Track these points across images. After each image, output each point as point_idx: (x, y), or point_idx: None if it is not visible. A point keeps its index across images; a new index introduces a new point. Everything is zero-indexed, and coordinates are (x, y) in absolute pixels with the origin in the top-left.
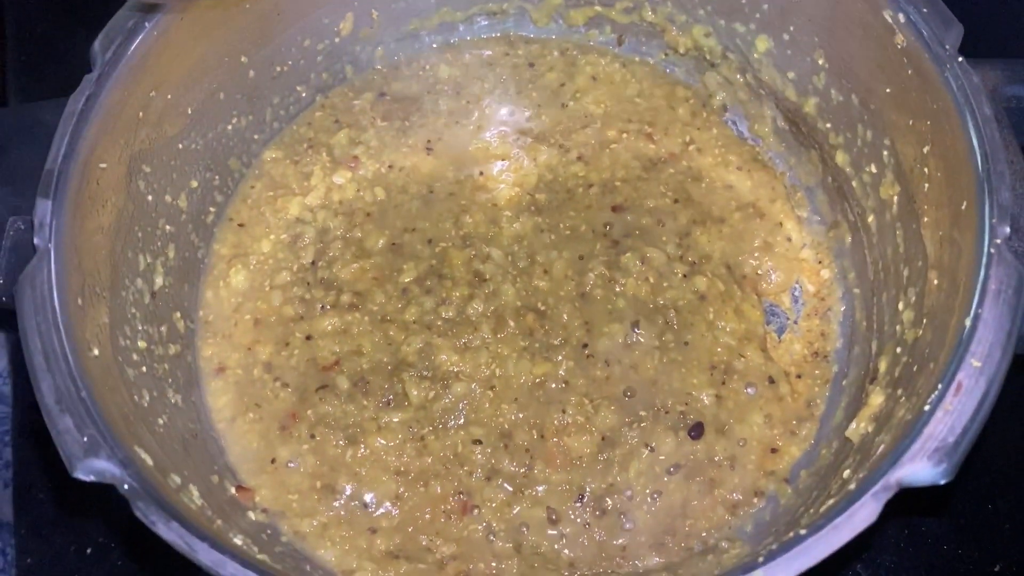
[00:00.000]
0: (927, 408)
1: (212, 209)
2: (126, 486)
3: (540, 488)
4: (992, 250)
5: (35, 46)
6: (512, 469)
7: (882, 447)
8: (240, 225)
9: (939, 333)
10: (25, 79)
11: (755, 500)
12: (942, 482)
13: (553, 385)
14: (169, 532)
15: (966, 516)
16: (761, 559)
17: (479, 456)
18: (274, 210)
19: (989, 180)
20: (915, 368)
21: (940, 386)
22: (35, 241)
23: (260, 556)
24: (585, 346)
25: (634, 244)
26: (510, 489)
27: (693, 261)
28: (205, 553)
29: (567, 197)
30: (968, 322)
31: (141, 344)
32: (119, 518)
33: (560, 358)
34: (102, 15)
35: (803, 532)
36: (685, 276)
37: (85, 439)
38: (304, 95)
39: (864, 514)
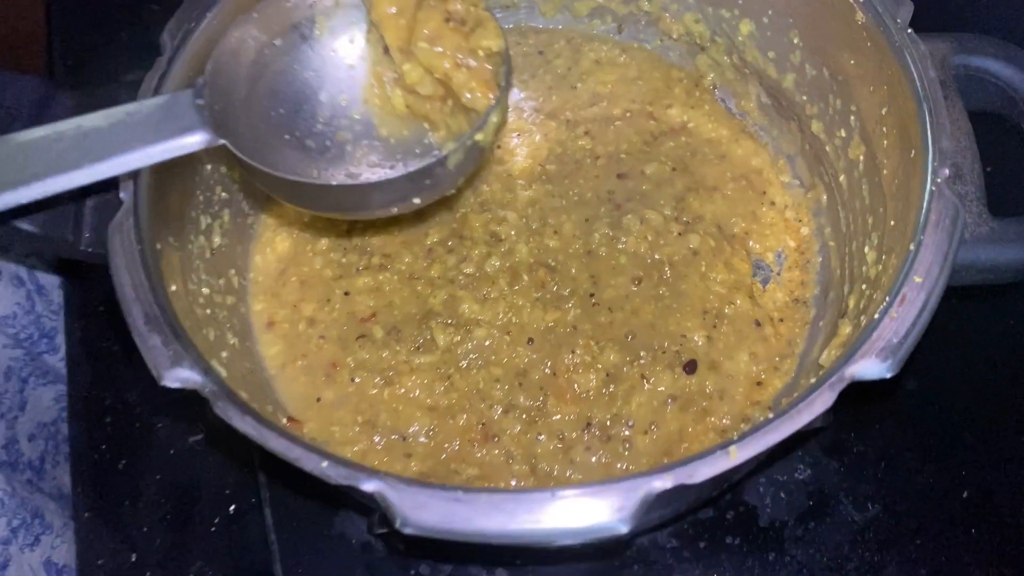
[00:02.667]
0: (876, 317)
1: None
2: (207, 390)
3: (553, 419)
4: (933, 188)
5: (78, 47)
6: (527, 403)
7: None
8: None
9: (892, 263)
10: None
11: (742, 426)
12: (888, 375)
13: (563, 330)
14: (244, 425)
15: (936, 449)
16: (735, 436)
17: (498, 392)
18: None
19: (933, 130)
20: (874, 296)
21: (888, 299)
22: (121, 196)
23: None
24: (592, 295)
25: (634, 207)
26: (526, 419)
27: (687, 221)
28: (275, 440)
29: (575, 167)
30: (912, 247)
31: (205, 291)
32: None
33: (569, 306)
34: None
35: (771, 416)
36: (680, 234)
37: (171, 353)
38: None
39: (822, 401)
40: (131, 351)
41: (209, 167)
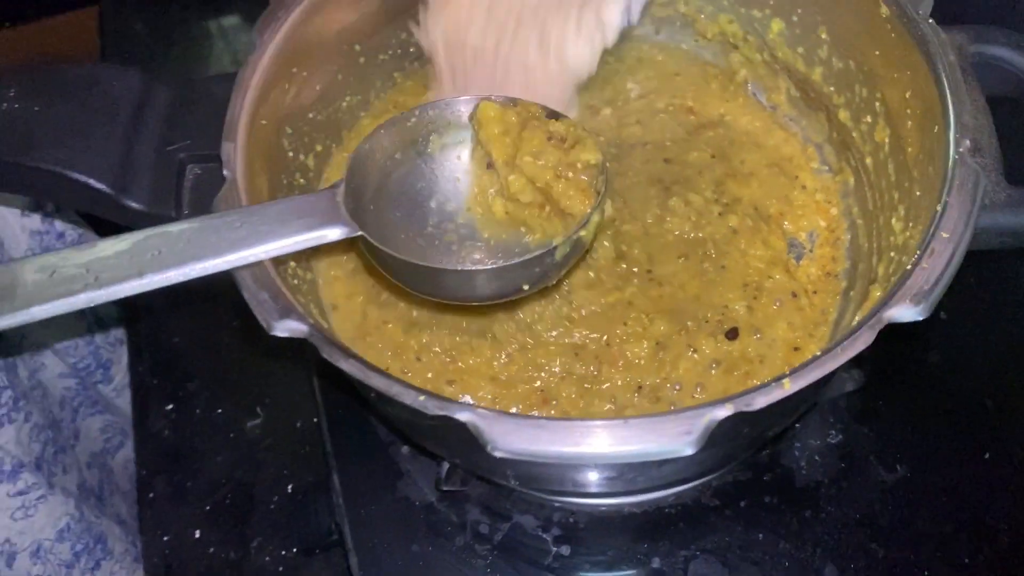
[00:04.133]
0: (909, 267)
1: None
2: (313, 337)
3: (605, 385)
4: (956, 156)
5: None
6: (583, 371)
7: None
8: None
9: (919, 227)
10: None
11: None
12: (920, 318)
13: (620, 306)
14: (349, 365)
15: (959, 415)
16: (787, 371)
17: (556, 366)
18: None
19: (954, 107)
20: (903, 260)
21: (919, 252)
22: (224, 173)
23: None
24: (649, 271)
25: (679, 190)
26: (583, 386)
27: (727, 203)
28: (376, 378)
29: (628, 151)
30: (939, 208)
31: (291, 263)
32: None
33: (632, 284)
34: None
35: (819, 354)
36: (720, 215)
37: (278, 306)
38: (399, 80)
39: (862, 340)
40: (190, 342)
41: (291, 153)
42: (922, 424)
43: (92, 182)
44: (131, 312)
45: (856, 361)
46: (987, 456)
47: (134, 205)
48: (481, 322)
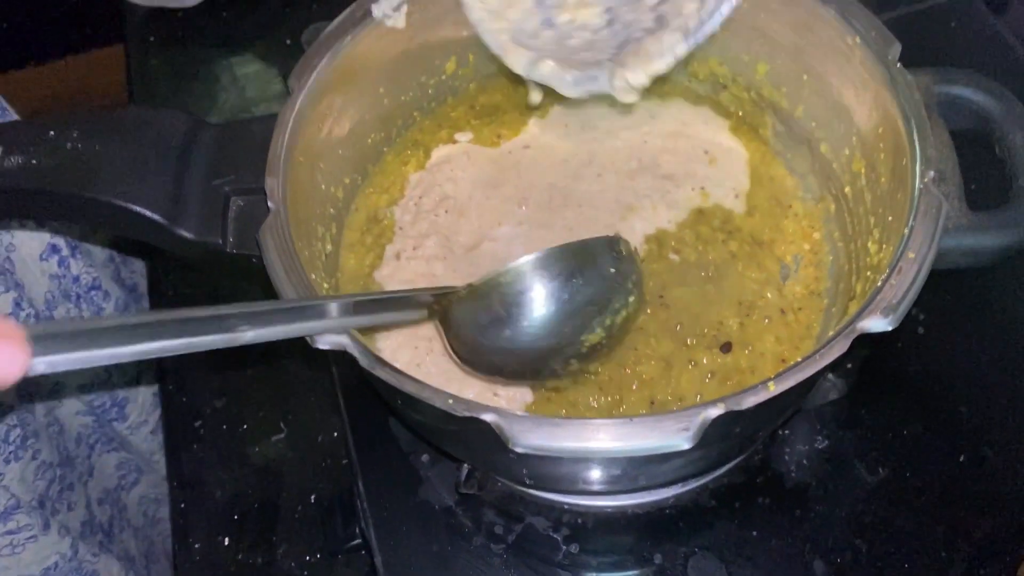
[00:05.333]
0: (879, 285)
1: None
2: (352, 349)
3: (623, 407)
4: (921, 185)
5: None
6: (606, 401)
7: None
8: None
9: (890, 249)
10: None
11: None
12: (889, 328)
13: (632, 333)
14: (385, 374)
15: (936, 421)
16: (772, 376)
17: (582, 400)
18: None
19: (919, 141)
20: (877, 278)
21: (888, 270)
22: (268, 204)
23: None
24: (661, 297)
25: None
26: (610, 413)
27: (730, 231)
28: (410, 384)
29: None
30: (906, 231)
31: (325, 285)
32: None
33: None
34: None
35: (799, 360)
36: (723, 241)
37: None
38: (418, 118)
39: (838, 348)
40: (217, 362)
41: (323, 186)
42: (902, 430)
43: (148, 213)
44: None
45: (841, 371)
46: (962, 459)
47: (185, 234)
48: None
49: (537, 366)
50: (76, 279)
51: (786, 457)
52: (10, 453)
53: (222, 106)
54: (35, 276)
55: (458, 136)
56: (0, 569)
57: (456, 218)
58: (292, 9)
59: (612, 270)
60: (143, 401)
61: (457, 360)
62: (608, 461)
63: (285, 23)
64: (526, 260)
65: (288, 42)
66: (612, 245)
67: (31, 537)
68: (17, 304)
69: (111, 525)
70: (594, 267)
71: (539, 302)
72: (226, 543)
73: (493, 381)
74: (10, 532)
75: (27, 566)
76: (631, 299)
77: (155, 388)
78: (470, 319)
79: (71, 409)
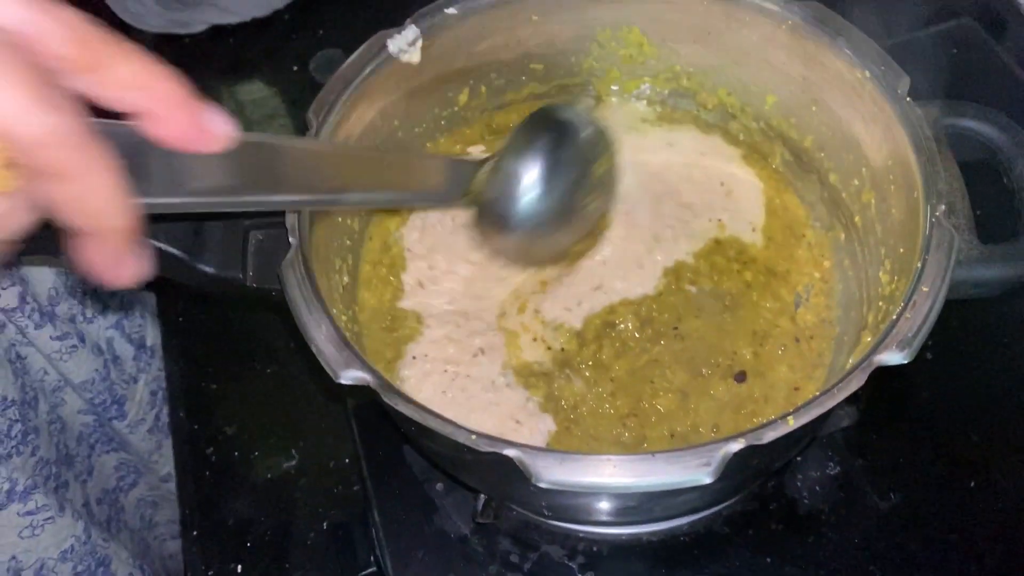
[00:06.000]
0: (894, 318)
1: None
2: (375, 384)
3: (644, 444)
4: (933, 219)
5: None
6: (629, 438)
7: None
8: None
9: (903, 281)
10: None
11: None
12: (905, 362)
13: (647, 367)
14: (408, 409)
15: (946, 447)
16: (790, 409)
17: (598, 427)
18: None
19: (930, 175)
20: (890, 309)
21: (903, 304)
22: (290, 240)
23: None
24: (675, 328)
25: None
26: (634, 449)
27: (745, 261)
28: (432, 420)
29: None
30: (919, 265)
31: (344, 318)
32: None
33: (660, 344)
34: None
35: (818, 394)
36: (738, 271)
37: (343, 358)
38: (429, 148)
39: (856, 381)
40: (227, 389)
41: (339, 218)
42: (913, 456)
43: (169, 249)
44: (169, 362)
45: (851, 399)
46: (972, 484)
47: (206, 269)
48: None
49: (559, 234)
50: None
51: (799, 484)
52: (12, 448)
53: None
54: (40, 272)
55: (471, 149)
56: (21, 552)
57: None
58: (298, 36)
59: (589, 121)
60: (141, 399)
61: (489, 245)
62: (627, 494)
63: (291, 49)
64: (520, 125)
65: (295, 68)
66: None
67: (49, 519)
68: (22, 298)
69: (109, 525)
70: (575, 118)
71: (544, 153)
72: (239, 570)
73: (526, 263)
74: (29, 513)
75: (46, 549)
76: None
77: (153, 386)
78: (498, 191)
79: (73, 407)
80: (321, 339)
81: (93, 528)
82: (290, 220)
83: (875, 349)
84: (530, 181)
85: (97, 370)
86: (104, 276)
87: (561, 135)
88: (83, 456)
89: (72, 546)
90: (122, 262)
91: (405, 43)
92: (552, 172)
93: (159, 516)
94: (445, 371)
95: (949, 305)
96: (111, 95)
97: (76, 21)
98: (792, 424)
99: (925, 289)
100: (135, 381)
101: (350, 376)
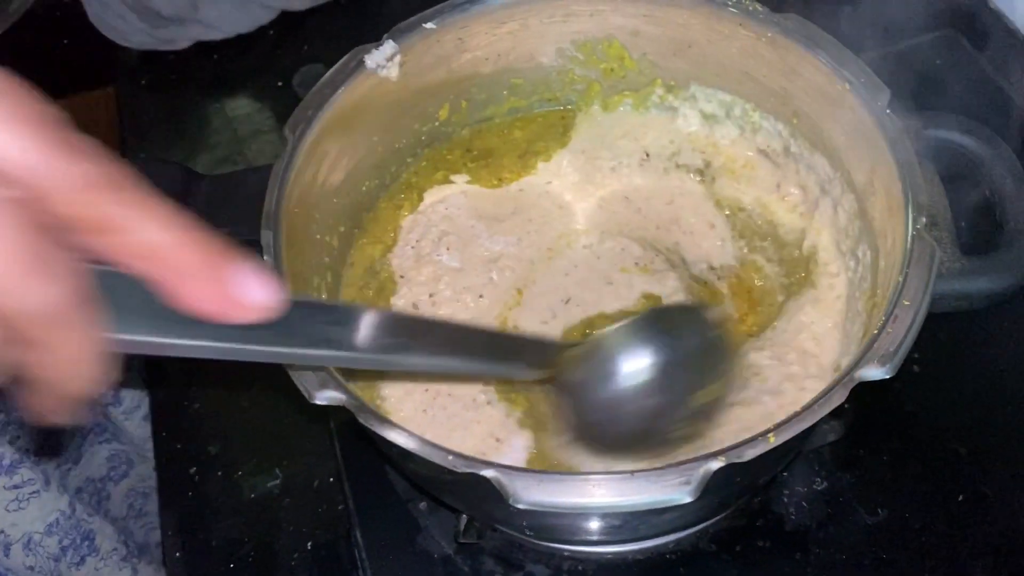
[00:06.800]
0: (875, 332)
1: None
2: (349, 404)
3: None
4: (913, 232)
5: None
6: None
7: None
8: None
9: (885, 295)
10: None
11: None
12: (887, 376)
13: None
14: (384, 429)
15: (934, 461)
16: (772, 427)
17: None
18: None
19: (912, 188)
20: (871, 322)
21: (884, 318)
22: (264, 257)
23: None
24: None
25: None
26: None
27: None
28: (408, 440)
29: None
30: (900, 278)
31: None
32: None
33: None
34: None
35: (799, 410)
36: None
37: (318, 378)
38: (411, 163)
39: (837, 397)
40: (211, 408)
41: (318, 236)
42: (900, 470)
43: None
44: (153, 381)
45: (837, 413)
46: (960, 498)
47: None
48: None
49: (647, 426)
50: None
51: (785, 499)
52: None
53: (214, 148)
54: None
55: (454, 178)
56: (8, 526)
57: (461, 252)
58: (283, 51)
59: (709, 332)
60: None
61: (568, 426)
62: (609, 514)
63: (277, 65)
64: (634, 319)
65: (279, 84)
66: (704, 310)
67: (34, 492)
68: None
69: (89, 508)
70: (696, 327)
71: (648, 358)
72: None
73: (605, 451)
74: (16, 486)
75: (32, 522)
76: (729, 367)
77: (145, 375)
78: (585, 377)
79: None
80: None
81: (78, 503)
82: (265, 238)
83: (857, 364)
84: (625, 372)
85: None
86: (50, 419)
87: (679, 335)
88: (75, 446)
89: (57, 519)
90: (75, 407)
91: (383, 58)
92: (654, 372)
93: (149, 506)
94: (426, 390)
95: (936, 318)
96: (121, 260)
97: (92, 172)
98: (773, 441)
99: (907, 303)
100: (130, 368)
101: (325, 396)
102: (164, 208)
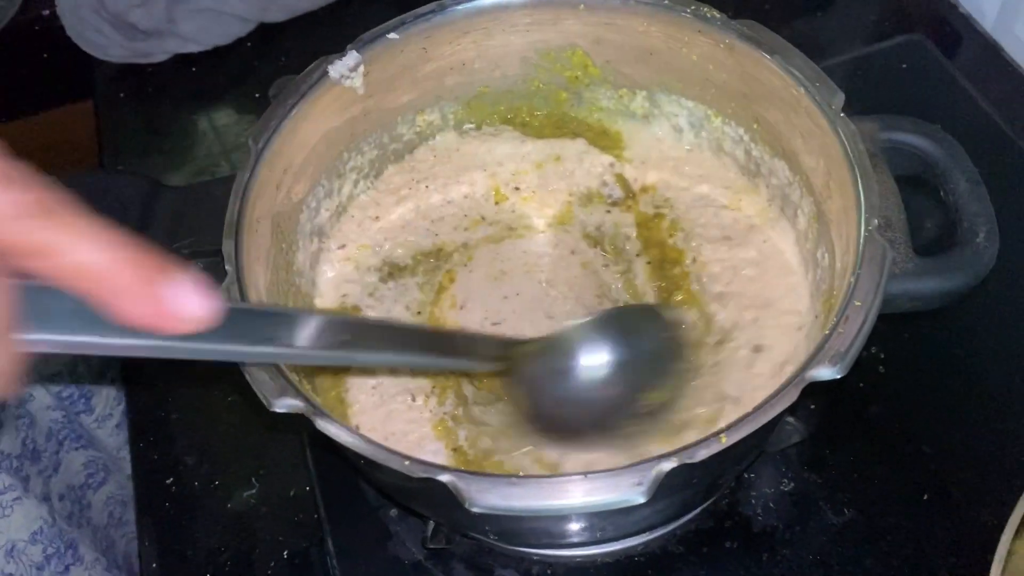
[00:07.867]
0: (827, 333)
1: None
2: (308, 411)
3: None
4: (866, 233)
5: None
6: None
7: None
8: None
9: (839, 296)
10: None
11: None
12: (838, 376)
13: None
14: (343, 434)
15: (900, 460)
16: (724, 427)
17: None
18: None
19: (864, 189)
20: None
21: (835, 319)
22: (226, 267)
23: None
24: None
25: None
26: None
27: None
28: (365, 446)
29: None
30: (852, 279)
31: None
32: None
33: None
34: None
35: (750, 411)
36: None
37: (276, 386)
38: (384, 173)
39: (788, 397)
40: (187, 418)
41: (283, 245)
42: (866, 470)
43: None
44: (130, 392)
45: (803, 413)
46: (926, 497)
47: None
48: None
49: (597, 420)
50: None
51: (752, 501)
52: None
53: (193, 161)
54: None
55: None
56: None
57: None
58: (261, 63)
59: (666, 333)
60: (107, 394)
61: (522, 416)
62: (569, 516)
63: (254, 77)
64: (591, 318)
65: (257, 95)
66: (662, 311)
67: (17, 499)
68: None
69: (70, 520)
70: (651, 326)
71: (603, 355)
72: None
73: (559, 441)
74: None
75: (17, 530)
76: (683, 364)
77: (119, 382)
78: (540, 371)
79: (41, 403)
80: (253, 367)
81: (57, 512)
82: (226, 248)
83: (808, 364)
84: (580, 367)
85: (65, 363)
86: None
87: (636, 334)
88: (51, 452)
89: (41, 527)
90: None
91: (346, 68)
92: (608, 369)
93: (128, 515)
94: (395, 397)
95: (899, 319)
96: (56, 281)
97: (21, 200)
98: (725, 441)
99: (858, 303)
100: (103, 376)
101: (284, 404)
102: (97, 228)
